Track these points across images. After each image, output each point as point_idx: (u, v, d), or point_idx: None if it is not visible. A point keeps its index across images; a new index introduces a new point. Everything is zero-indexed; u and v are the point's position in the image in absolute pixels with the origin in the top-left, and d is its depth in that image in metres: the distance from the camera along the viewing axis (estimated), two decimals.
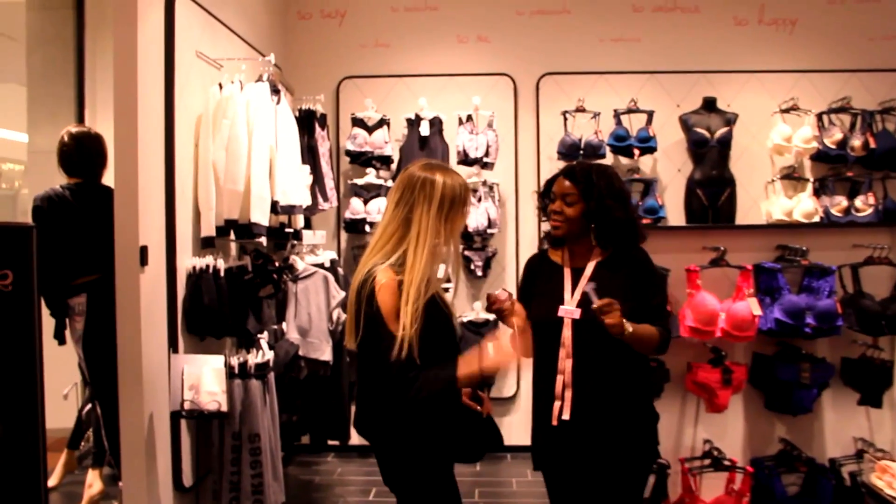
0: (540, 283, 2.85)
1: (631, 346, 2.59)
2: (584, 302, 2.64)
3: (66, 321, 3.90)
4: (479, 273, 5.51)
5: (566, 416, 2.66)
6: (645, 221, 4.93)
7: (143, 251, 3.32)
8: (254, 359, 3.77)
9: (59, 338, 3.89)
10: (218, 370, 3.44)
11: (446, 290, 5.35)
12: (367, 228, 5.36)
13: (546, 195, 2.85)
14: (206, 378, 3.41)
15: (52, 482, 4.57)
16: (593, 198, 2.67)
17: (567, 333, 2.67)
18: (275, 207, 3.92)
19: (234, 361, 3.71)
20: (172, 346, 3.56)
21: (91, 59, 5.59)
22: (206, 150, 3.73)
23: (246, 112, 3.80)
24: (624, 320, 2.50)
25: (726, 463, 3.79)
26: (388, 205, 2.46)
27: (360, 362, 2.48)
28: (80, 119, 5.31)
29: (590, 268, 2.72)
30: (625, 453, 2.65)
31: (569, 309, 2.67)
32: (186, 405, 3.32)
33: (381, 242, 2.40)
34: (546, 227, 2.97)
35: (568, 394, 2.66)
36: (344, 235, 5.67)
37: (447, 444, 2.42)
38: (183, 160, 3.67)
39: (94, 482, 4.05)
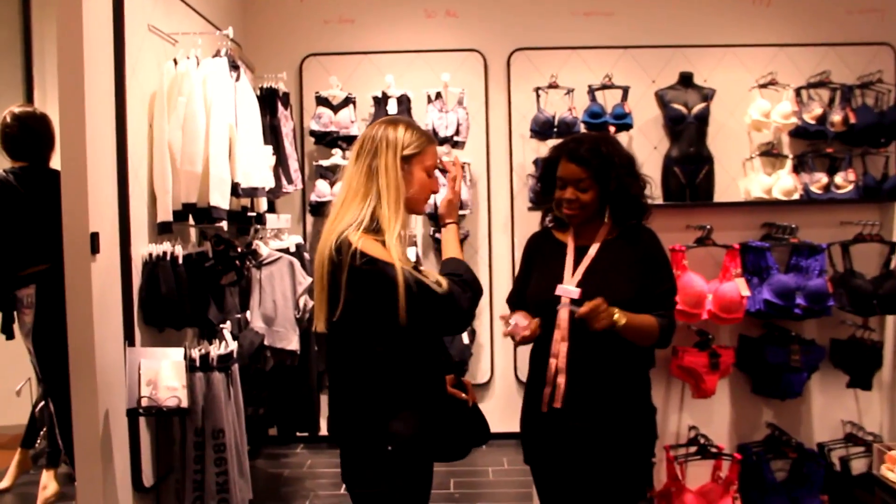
0: (540, 260, 2.66)
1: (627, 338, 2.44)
2: (586, 281, 2.49)
3: (13, 314, 3.65)
4: None
5: (557, 403, 2.49)
6: None
7: (94, 238, 3.10)
8: (216, 350, 3.56)
9: (7, 332, 3.66)
10: (177, 363, 3.23)
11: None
12: None
13: (546, 179, 2.65)
14: (164, 372, 3.19)
15: (5, 483, 4.34)
16: (611, 178, 2.47)
17: (563, 314, 2.47)
18: (235, 190, 3.70)
19: (196, 354, 3.50)
20: (129, 339, 3.34)
21: (39, 38, 5.31)
22: (162, 130, 3.50)
23: (203, 89, 3.57)
24: (616, 311, 2.34)
25: (713, 450, 3.66)
26: (349, 162, 2.25)
27: (332, 347, 2.23)
28: (30, 100, 5.03)
29: (594, 247, 2.53)
30: (618, 449, 2.48)
31: (568, 289, 2.47)
32: (144, 402, 3.11)
33: (347, 201, 2.16)
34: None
35: (560, 379, 2.48)
36: (310, 219, 5.46)
37: (433, 441, 2.22)
38: (136, 141, 3.44)
39: (48, 483, 3.82)
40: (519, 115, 5.37)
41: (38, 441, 4.41)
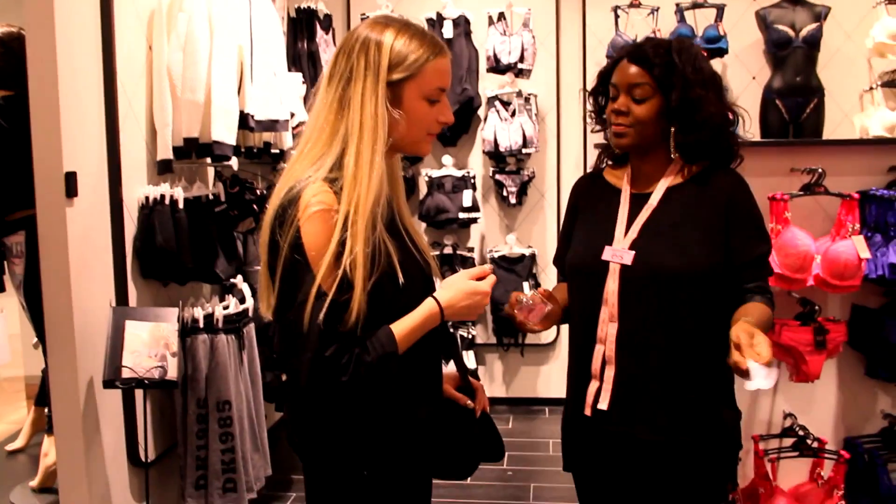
0: (587, 212, 2.02)
1: (707, 312, 1.81)
2: (643, 242, 1.84)
3: (3, 264, 3.23)
4: (513, 200, 4.70)
5: (603, 404, 1.87)
6: None
7: (70, 179, 2.63)
8: (222, 309, 3.06)
9: None
10: (166, 327, 2.73)
11: (473, 220, 4.60)
12: None
13: (601, 92, 2.00)
14: (152, 337, 2.70)
15: (19, 443, 4.03)
16: (676, 86, 1.81)
17: (612, 286, 1.85)
18: (247, 122, 3.16)
19: (199, 313, 3.01)
20: (120, 297, 2.87)
21: None
22: (161, 54, 2.99)
23: (207, 2, 3.01)
24: (753, 330, 1.62)
25: (813, 444, 2.96)
26: (321, 86, 1.61)
27: (283, 339, 1.67)
28: None
29: (659, 192, 1.90)
30: (686, 467, 1.85)
31: (618, 250, 1.86)
32: (125, 372, 2.62)
33: (310, 141, 1.56)
34: (596, 138, 2.11)
35: (609, 372, 1.86)
36: None
37: (421, 460, 1.64)
38: (130, 66, 2.94)
39: (49, 451, 3.44)
40: (595, 40, 4.66)
41: None
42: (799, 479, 3.04)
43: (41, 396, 3.91)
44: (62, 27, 2.58)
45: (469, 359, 4.61)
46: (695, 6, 4.36)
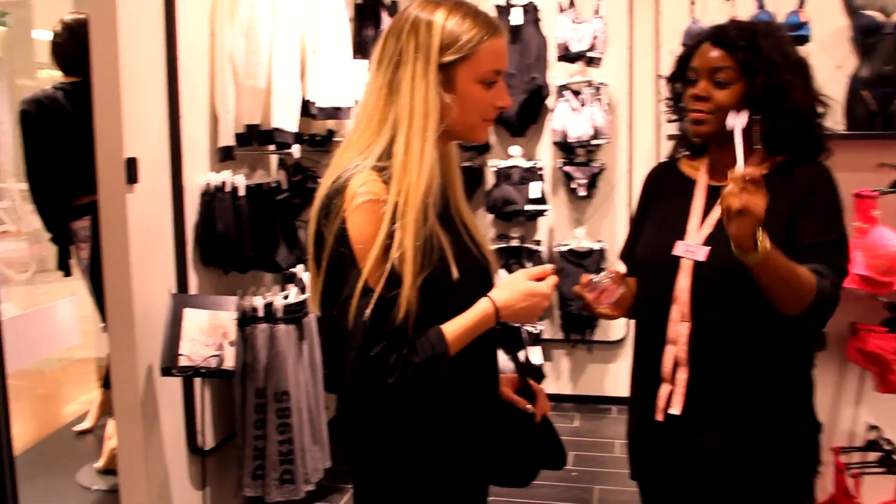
0: (659, 204, 1.90)
1: (773, 293, 1.62)
2: (718, 237, 1.69)
3: (69, 249, 3.26)
4: (583, 193, 4.55)
5: (675, 408, 1.75)
6: None
7: (131, 164, 2.61)
8: (282, 299, 3.02)
9: (64, 268, 3.29)
10: (225, 315, 2.70)
11: (541, 213, 4.48)
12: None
13: (679, 77, 1.86)
14: (209, 325, 2.67)
15: (87, 424, 4.09)
16: (761, 71, 1.68)
17: (684, 283, 1.74)
18: (308, 109, 3.11)
19: (258, 303, 2.98)
20: (181, 284, 2.86)
21: None
22: (223, 40, 2.97)
23: None
24: (761, 233, 1.52)
25: None
26: (370, 71, 1.52)
27: (327, 336, 1.53)
28: None
29: None
30: (761, 479, 1.72)
31: (690, 246, 1.74)
32: (182, 360, 2.60)
33: (359, 128, 1.47)
34: (671, 129, 1.98)
35: (681, 375, 1.74)
36: None
37: (475, 467, 1.54)
38: (192, 51, 2.92)
39: (113, 433, 3.46)
40: (669, 27, 4.45)
41: None
42: (884, 497, 2.84)
43: (108, 379, 3.96)
44: (124, 12, 2.56)
45: (535, 354, 4.49)
46: None
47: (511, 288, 1.47)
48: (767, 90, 1.68)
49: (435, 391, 1.41)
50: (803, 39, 4.04)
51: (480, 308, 1.44)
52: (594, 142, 4.39)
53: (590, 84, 4.40)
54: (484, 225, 4.69)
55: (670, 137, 2.02)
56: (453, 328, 1.41)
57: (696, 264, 1.72)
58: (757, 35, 1.70)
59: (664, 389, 1.77)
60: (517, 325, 4.39)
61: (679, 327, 1.74)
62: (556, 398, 4.79)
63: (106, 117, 2.58)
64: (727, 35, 1.72)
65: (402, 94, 1.41)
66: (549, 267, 1.53)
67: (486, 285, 1.52)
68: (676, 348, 1.75)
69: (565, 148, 4.51)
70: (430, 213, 1.40)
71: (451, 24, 1.42)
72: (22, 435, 4.10)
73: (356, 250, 1.36)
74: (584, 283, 1.75)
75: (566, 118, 4.39)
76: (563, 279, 4.58)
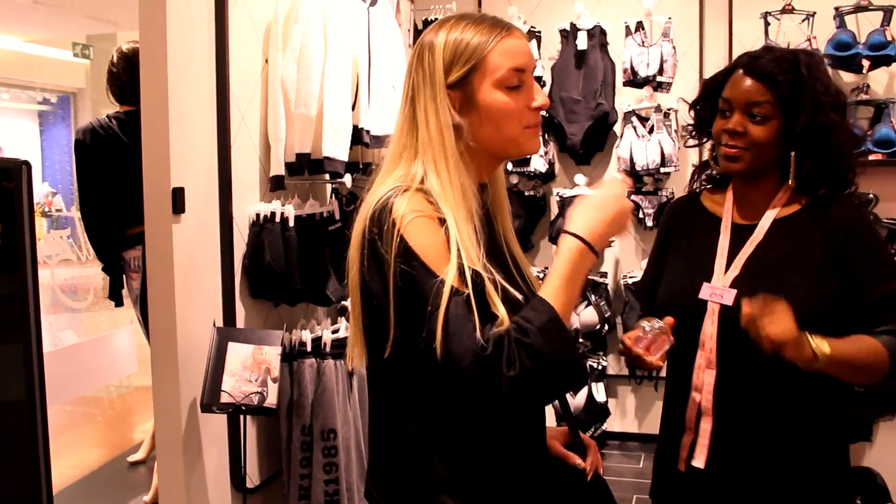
0: (682, 241, 1.81)
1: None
2: (746, 280, 1.63)
3: (122, 278, 3.25)
4: (650, 223, 4.37)
5: (699, 461, 1.66)
6: (874, 157, 3.61)
7: (178, 195, 2.57)
8: (331, 333, 2.93)
9: (115, 298, 3.28)
10: (269, 350, 2.61)
11: (608, 244, 4.31)
12: (511, 167, 4.36)
13: (707, 106, 1.76)
14: (252, 360, 2.59)
15: (140, 455, 4.07)
16: (805, 108, 1.59)
17: (710, 329, 1.66)
18: (361, 137, 3.03)
19: (306, 336, 2.89)
20: (228, 317, 2.80)
21: None
22: (276, 67, 2.91)
23: (323, 15, 2.91)
24: (810, 337, 1.48)
25: None
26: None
27: (374, 389, 1.41)
28: None
29: (766, 223, 1.68)
30: None
31: (717, 289, 1.66)
32: (223, 397, 2.52)
33: (391, 161, 1.38)
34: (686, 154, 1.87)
35: (705, 425, 1.66)
36: None
37: None
38: (244, 79, 2.88)
39: None
40: (741, 49, 4.17)
41: None
42: None
43: None
44: (175, 41, 2.54)
45: (598, 391, 4.31)
46: (858, 10, 3.91)
47: (581, 209, 1.32)
48: (811, 130, 1.59)
49: (560, 365, 1.22)
50: (888, 60, 3.81)
51: (565, 249, 1.28)
52: (662, 170, 4.21)
53: (658, 109, 4.23)
54: (548, 255, 4.55)
55: (696, 167, 1.90)
56: (551, 287, 1.26)
57: (723, 308, 1.65)
58: (800, 66, 1.60)
59: (687, 439, 1.69)
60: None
61: (704, 374, 1.66)
62: (621, 437, 4.60)
63: (153, 146, 2.55)
64: (765, 66, 1.62)
65: (420, 127, 1.33)
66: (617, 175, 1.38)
67: None
68: (701, 396, 1.67)
69: (632, 176, 4.34)
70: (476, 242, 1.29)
71: (452, 40, 1.33)
72: (78, 463, 4.11)
73: (428, 262, 1.23)
74: (632, 337, 1.62)
75: (633, 145, 4.23)
76: (629, 313, 4.39)
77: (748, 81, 1.63)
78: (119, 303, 3.31)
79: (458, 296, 1.21)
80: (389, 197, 1.28)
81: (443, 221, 1.27)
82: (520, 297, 1.30)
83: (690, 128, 1.84)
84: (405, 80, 1.39)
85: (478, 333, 1.19)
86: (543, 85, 4.38)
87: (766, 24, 4.03)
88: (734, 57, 4.37)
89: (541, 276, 4.40)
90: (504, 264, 1.39)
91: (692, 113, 1.83)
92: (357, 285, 1.33)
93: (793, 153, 1.62)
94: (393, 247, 1.24)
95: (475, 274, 1.24)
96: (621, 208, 1.32)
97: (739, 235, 1.70)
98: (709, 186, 1.84)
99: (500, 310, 1.22)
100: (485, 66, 1.32)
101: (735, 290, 1.64)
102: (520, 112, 1.35)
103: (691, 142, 1.84)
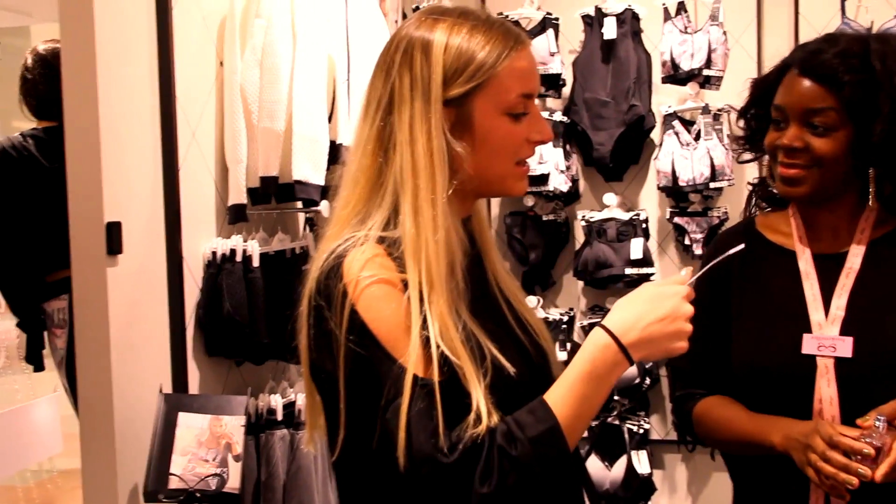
0: (746, 288, 1.77)
1: None
2: (857, 322, 1.61)
3: (42, 336, 3.27)
4: (699, 251, 4.36)
5: None
6: None
7: (113, 231, 2.61)
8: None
9: (35, 361, 3.32)
10: (230, 421, 2.62)
11: (645, 277, 4.31)
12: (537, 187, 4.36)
13: (758, 114, 1.77)
14: (209, 434, 2.60)
15: None
16: (881, 113, 1.58)
17: (828, 391, 1.61)
18: (339, 156, 3.07)
19: (277, 402, 2.90)
20: (178, 381, 2.81)
21: None
22: (233, 71, 2.97)
23: (290, 6, 2.98)
24: None
25: None
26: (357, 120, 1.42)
27: (341, 478, 1.40)
28: None
29: (858, 250, 1.68)
30: None
31: (825, 339, 1.62)
32: (172, 481, 2.51)
33: (346, 193, 1.36)
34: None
35: None
36: (495, 201, 4.70)
37: None
38: (194, 87, 2.95)
39: None
40: (812, 32, 4.23)
41: None
42: None
43: None
44: (105, 38, 2.57)
45: (641, 461, 4.28)
46: None
47: (630, 302, 1.28)
48: (889, 139, 1.57)
49: (549, 491, 1.20)
50: None
51: (591, 342, 1.25)
52: (712, 185, 4.22)
53: (706, 111, 4.25)
54: (573, 294, 4.54)
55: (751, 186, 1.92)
56: (560, 390, 1.24)
57: (839, 363, 1.62)
58: (871, 58, 1.58)
59: None
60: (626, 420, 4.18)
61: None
62: None
63: (81, 171, 2.59)
64: (827, 63, 1.60)
65: (399, 148, 1.30)
66: (685, 273, 1.33)
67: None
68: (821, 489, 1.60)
69: (675, 194, 4.35)
70: (457, 303, 1.27)
71: (457, 44, 1.32)
72: None
73: (385, 342, 1.22)
74: (857, 439, 1.50)
75: (675, 156, 4.24)
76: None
77: (805, 84, 1.62)
78: (39, 366, 3.33)
79: (424, 387, 1.19)
80: (341, 254, 1.27)
81: (407, 284, 1.25)
82: (513, 371, 1.28)
83: (742, 140, 1.83)
84: (374, 82, 1.36)
85: (441, 435, 1.16)
86: (563, 84, 4.42)
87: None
88: (801, 41, 4.39)
89: (564, 318, 4.45)
90: (498, 316, 1.40)
91: (741, 123, 1.82)
92: (306, 360, 1.33)
93: (871, 170, 1.62)
94: (344, 320, 1.23)
95: (444, 358, 1.21)
96: (677, 312, 1.26)
97: (826, 269, 1.69)
98: (767, 209, 1.83)
99: (481, 402, 1.20)
100: (492, 87, 1.32)
101: (850, 337, 1.62)
102: (518, 145, 1.36)
103: (746, 156, 1.84)
